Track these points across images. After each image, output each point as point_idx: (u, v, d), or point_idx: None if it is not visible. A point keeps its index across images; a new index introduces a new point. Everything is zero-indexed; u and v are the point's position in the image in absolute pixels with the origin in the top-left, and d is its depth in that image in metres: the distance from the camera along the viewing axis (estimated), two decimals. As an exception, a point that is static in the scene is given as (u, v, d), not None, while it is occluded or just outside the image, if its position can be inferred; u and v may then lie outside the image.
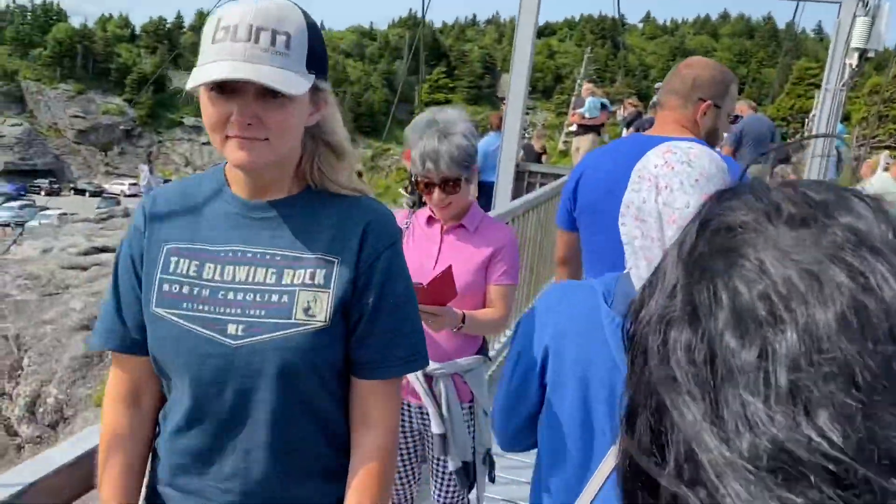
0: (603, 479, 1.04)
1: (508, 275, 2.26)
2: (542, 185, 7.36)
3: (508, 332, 4.56)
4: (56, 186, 65.25)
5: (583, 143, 11.13)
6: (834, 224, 0.51)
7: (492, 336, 4.05)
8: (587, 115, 11.34)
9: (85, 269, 9.88)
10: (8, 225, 37.40)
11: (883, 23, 5.97)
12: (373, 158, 35.88)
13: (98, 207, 42.67)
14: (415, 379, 2.25)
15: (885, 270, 0.48)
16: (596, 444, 1.25)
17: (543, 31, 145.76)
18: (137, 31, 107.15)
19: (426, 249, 2.30)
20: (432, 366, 2.22)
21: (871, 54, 6.09)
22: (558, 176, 7.10)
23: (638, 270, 1.21)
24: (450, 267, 2.04)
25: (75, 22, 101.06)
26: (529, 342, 1.35)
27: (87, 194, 62.03)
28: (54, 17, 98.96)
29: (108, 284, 1.35)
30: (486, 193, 8.33)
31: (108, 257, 10.44)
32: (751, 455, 0.47)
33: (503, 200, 7.24)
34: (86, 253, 10.48)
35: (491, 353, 3.95)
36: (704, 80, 2.24)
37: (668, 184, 1.16)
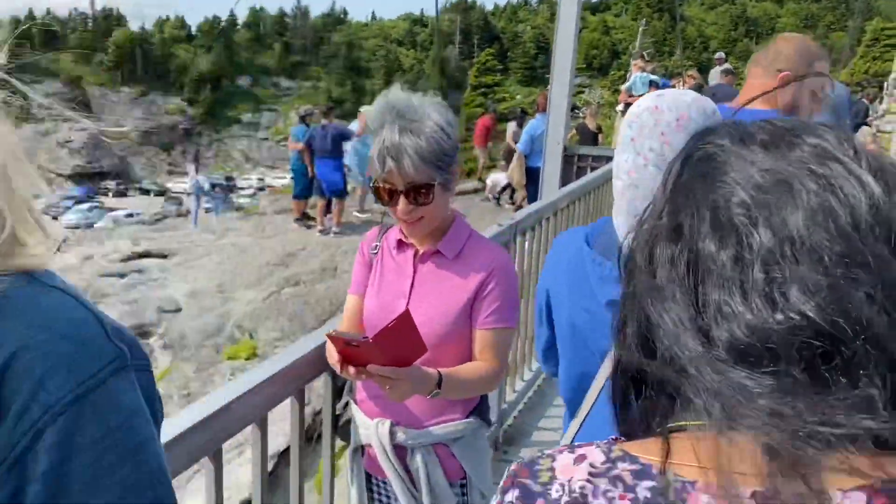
0: (595, 395, 1.26)
1: (500, 315, 1.71)
2: (593, 168, 6.73)
3: (527, 376, 3.92)
4: (123, 188, 67.14)
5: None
6: (801, 143, 0.60)
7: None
8: (634, 93, 10.56)
9: (123, 276, 9.73)
10: (78, 227, 38.56)
11: None
12: None
13: (163, 206, 43.90)
14: (381, 450, 1.71)
15: (844, 173, 0.57)
16: (588, 360, 1.40)
17: (598, 7, 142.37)
18: (193, 31, 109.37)
19: (396, 285, 1.78)
20: (402, 435, 1.71)
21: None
22: (610, 158, 6.46)
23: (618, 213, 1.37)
24: (407, 311, 1.49)
25: (134, 26, 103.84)
26: (539, 289, 1.61)
27: (152, 194, 63.62)
28: (114, 23, 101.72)
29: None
30: (533, 180, 7.77)
31: (150, 262, 10.28)
32: (727, 346, 0.54)
33: (551, 188, 6.65)
34: (127, 258, 10.33)
35: (502, 407, 3.33)
36: (787, 53, 2.25)
37: (618, 144, 1.36)
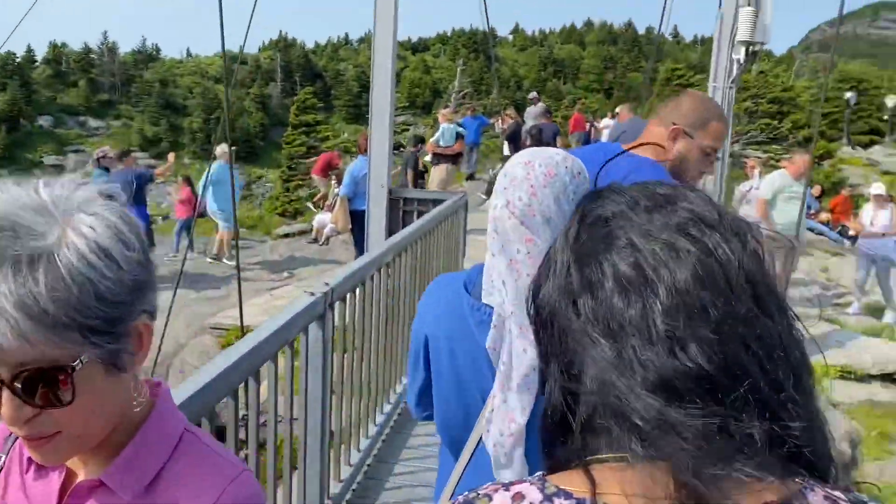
0: (478, 436, 1.40)
1: None
2: (419, 213, 6.50)
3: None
4: None
5: (437, 173, 10.37)
6: (677, 209, 0.69)
7: None
8: (442, 143, 10.57)
9: None
10: None
11: (768, 14, 5.52)
12: (248, 186, 33.83)
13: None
14: None
15: (718, 239, 0.66)
16: (470, 403, 1.48)
17: (417, 47, 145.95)
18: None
19: None
20: None
21: (757, 48, 5.63)
22: (437, 201, 6.28)
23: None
24: None
25: None
26: (415, 333, 1.62)
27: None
28: None
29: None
30: (358, 223, 7.42)
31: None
32: (644, 387, 0.62)
33: (377, 235, 6.35)
34: None
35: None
36: (685, 108, 2.30)
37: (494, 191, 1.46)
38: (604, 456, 0.66)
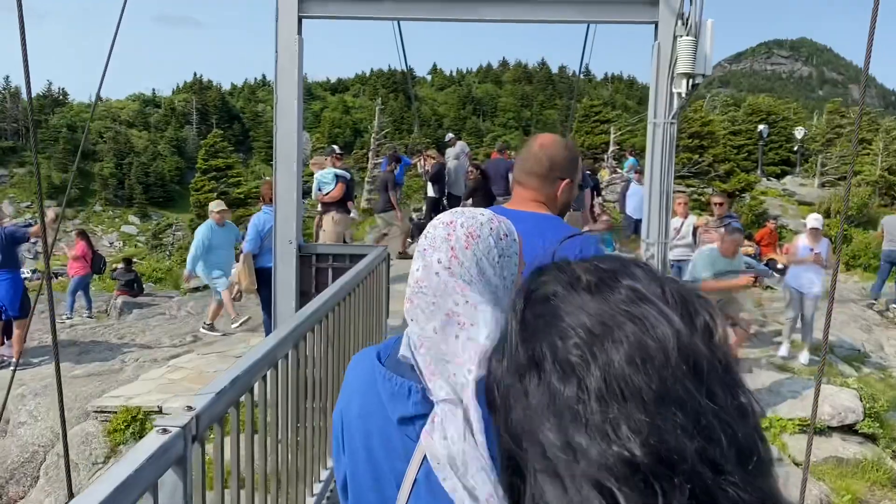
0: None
1: None
2: (335, 271, 5.74)
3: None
4: None
5: (329, 224, 9.56)
6: (618, 285, 0.68)
7: None
8: (322, 190, 9.75)
9: None
10: None
11: (707, 43, 5.07)
12: (156, 235, 31.14)
13: None
14: None
15: (656, 314, 0.65)
16: (385, 489, 1.31)
17: (337, 88, 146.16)
18: None
19: None
20: None
21: (698, 80, 5.16)
22: (356, 257, 5.54)
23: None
24: None
25: None
26: (335, 413, 1.45)
27: None
28: None
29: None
30: (265, 281, 6.59)
31: None
32: (587, 468, 0.60)
33: (286, 298, 5.56)
34: None
35: None
36: (561, 161, 2.42)
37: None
38: None
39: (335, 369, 4.00)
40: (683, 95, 5.18)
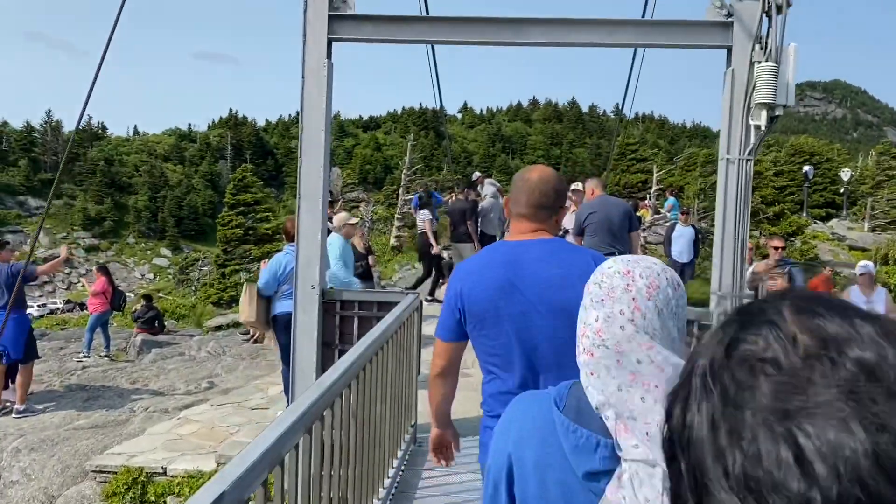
0: None
1: None
2: (362, 320, 5.14)
3: None
4: None
5: None
6: (845, 359, 0.57)
7: None
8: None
9: None
10: None
11: (790, 70, 4.44)
12: (183, 270, 30.57)
13: None
14: None
15: (890, 408, 0.54)
16: None
17: (369, 125, 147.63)
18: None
19: None
20: None
21: (779, 112, 4.52)
22: (386, 304, 4.95)
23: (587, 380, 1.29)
24: None
25: None
26: (496, 453, 1.41)
27: None
28: None
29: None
30: (283, 329, 5.99)
31: None
32: None
33: (307, 354, 4.98)
34: None
35: None
36: (563, 191, 2.55)
37: (583, 302, 1.35)
38: None
39: (361, 435, 3.43)
40: (763, 128, 4.54)
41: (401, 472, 4.70)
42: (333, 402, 2.92)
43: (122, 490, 5.27)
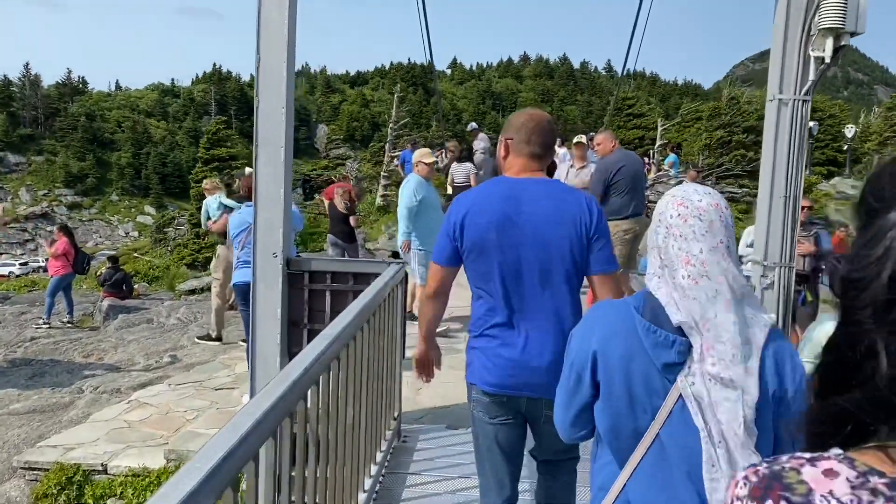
0: (648, 444, 1.55)
1: None
2: (334, 293, 4.34)
3: None
4: None
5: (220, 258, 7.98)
6: None
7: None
8: (212, 217, 8.36)
9: None
10: None
11: (865, -12, 3.57)
12: (160, 228, 28.99)
13: None
14: None
15: None
16: (639, 418, 1.58)
17: (356, 80, 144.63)
18: None
19: None
20: None
21: (845, 41, 3.65)
22: (363, 277, 4.15)
23: (658, 291, 1.58)
24: None
25: None
26: (579, 350, 1.69)
27: None
28: None
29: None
30: (244, 296, 5.18)
31: None
32: None
33: (269, 336, 4.16)
34: None
35: None
36: (556, 137, 2.79)
37: (683, 233, 1.54)
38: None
39: (335, 435, 2.71)
40: (826, 60, 3.68)
41: (382, 477, 3.93)
42: (299, 401, 2.22)
43: (55, 491, 4.47)
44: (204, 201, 8.63)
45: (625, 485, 1.58)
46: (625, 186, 6.55)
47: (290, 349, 4.33)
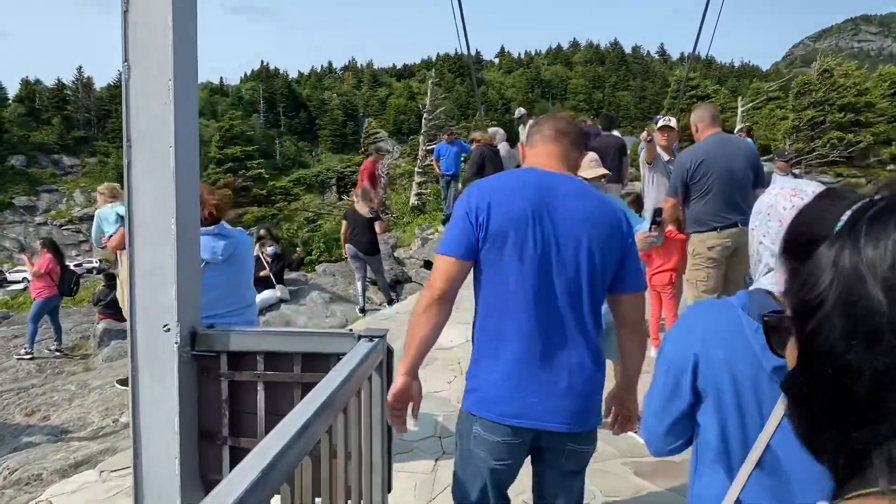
0: (760, 453, 1.41)
1: None
2: (270, 389, 2.65)
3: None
4: None
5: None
6: None
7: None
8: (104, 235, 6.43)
9: None
10: None
11: None
12: None
13: None
14: None
15: None
16: (747, 423, 1.48)
17: (403, 73, 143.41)
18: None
19: None
20: None
21: None
22: (317, 358, 2.44)
23: (772, 287, 1.49)
24: None
25: None
26: (678, 354, 1.57)
27: None
28: None
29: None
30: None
31: None
32: None
33: (163, 481, 2.50)
34: None
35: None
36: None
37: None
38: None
39: None
40: None
41: None
42: None
43: None
44: (97, 212, 6.68)
45: (737, 499, 1.43)
46: (708, 189, 4.74)
47: (205, 476, 2.66)
